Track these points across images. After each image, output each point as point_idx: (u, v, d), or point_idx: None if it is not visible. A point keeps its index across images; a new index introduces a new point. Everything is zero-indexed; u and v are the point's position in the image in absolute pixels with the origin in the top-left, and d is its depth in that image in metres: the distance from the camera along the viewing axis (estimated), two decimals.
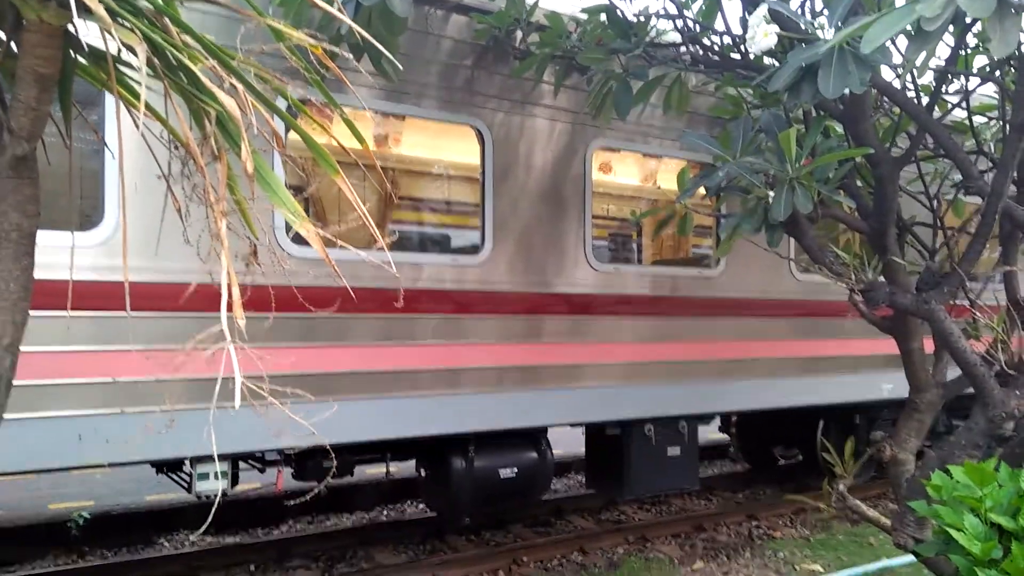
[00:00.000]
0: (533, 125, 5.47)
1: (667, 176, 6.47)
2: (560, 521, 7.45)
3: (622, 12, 4.21)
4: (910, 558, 4.92)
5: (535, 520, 7.39)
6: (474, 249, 5.29)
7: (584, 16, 4.49)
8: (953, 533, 2.42)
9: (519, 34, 5.06)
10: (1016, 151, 3.27)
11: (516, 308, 5.34)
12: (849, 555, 6.40)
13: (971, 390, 3.59)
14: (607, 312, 5.73)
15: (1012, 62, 3.51)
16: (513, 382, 5.32)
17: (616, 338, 5.74)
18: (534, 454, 5.81)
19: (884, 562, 5.99)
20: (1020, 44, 3.25)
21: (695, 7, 4.22)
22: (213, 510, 2.55)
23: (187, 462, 4.74)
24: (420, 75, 5.00)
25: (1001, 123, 3.95)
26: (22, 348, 1.75)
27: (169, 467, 5.08)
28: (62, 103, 1.82)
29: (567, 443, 9.06)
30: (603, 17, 4.28)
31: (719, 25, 4.19)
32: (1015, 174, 3.48)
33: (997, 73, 3.76)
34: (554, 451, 6.08)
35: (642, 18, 4.22)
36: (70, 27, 1.60)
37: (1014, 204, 3.50)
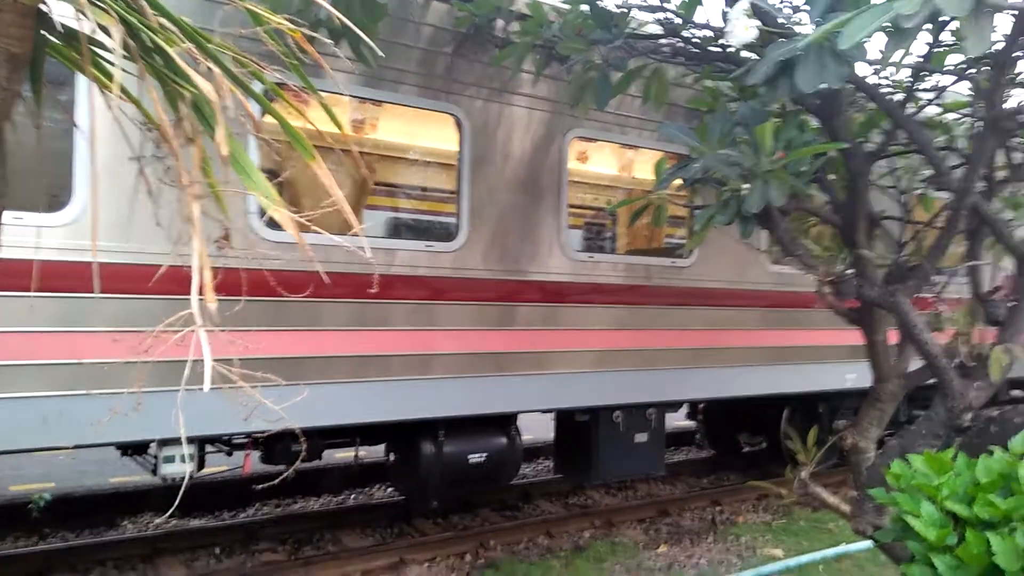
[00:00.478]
0: (511, 113, 5.44)
1: (643, 167, 6.50)
2: (528, 505, 7.51)
3: (603, 3, 4.19)
4: (868, 544, 5.05)
5: (503, 504, 7.44)
6: (449, 236, 5.27)
7: (565, 6, 4.47)
8: (910, 520, 2.47)
9: (499, 22, 5.02)
10: (986, 148, 3.33)
11: (490, 295, 5.34)
12: (809, 540, 6.54)
13: (933, 381, 3.67)
14: (580, 300, 5.75)
15: (985, 60, 3.57)
16: (485, 368, 5.33)
17: (588, 326, 5.77)
18: (503, 439, 5.84)
19: (843, 547, 6.13)
20: (993, 42, 3.30)
21: (676, 0, 4.21)
22: (180, 493, 2.53)
23: (153, 445, 4.69)
24: (399, 62, 4.95)
25: (973, 120, 4.01)
26: None
27: (134, 449, 5.02)
28: (33, 83, 1.77)
29: (536, 429, 9.12)
30: (584, 7, 4.26)
31: (700, 18, 4.19)
32: (983, 171, 3.55)
33: (970, 71, 3.82)
34: (523, 437, 6.11)
35: (623, 9, 4.21)
36: (43, 6, 1.56)
37: (982, 200, 3.58)
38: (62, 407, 3.89)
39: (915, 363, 3.80)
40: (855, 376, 7.24)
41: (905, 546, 2.57)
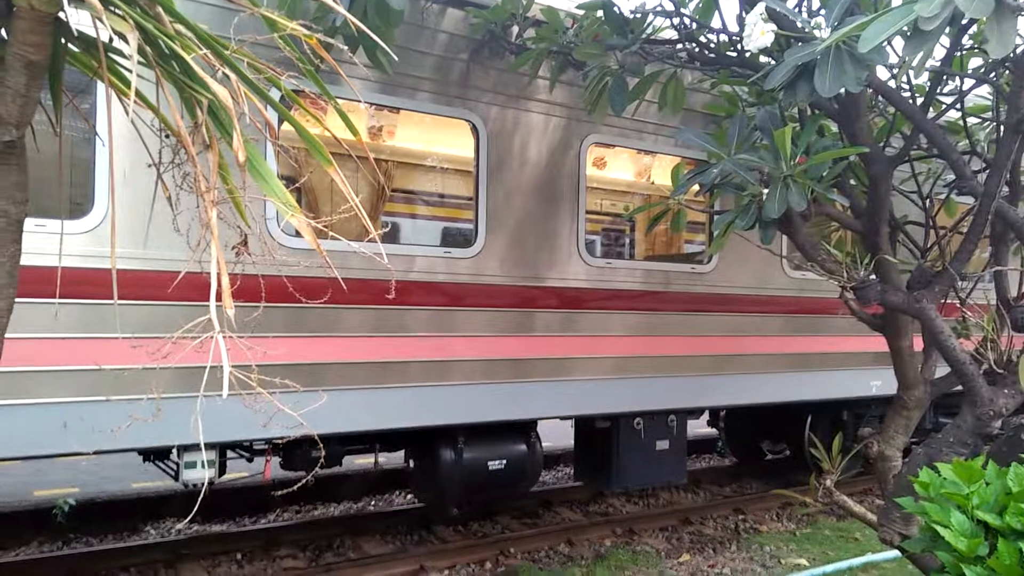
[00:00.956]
0: (528, 120, 5.45)
1: (661, 172, 6.48)
2: (548, 513, 7.48)
3: (619, 8, 4.19)
4: (895, 553, 4.97)
5: (523, 511, 7.41)
6: (467, 242, 5.28)
7: (581, 12, 4.48)
8: (940, 530, 2.43)
9: (515, 29, 5.04)
10: (1010, 152, 3.28)
11: (508, 301, 5.33)
12: (835, 550, 6.45)
13: (959, 388, 3.61)
14: (599, 306, 5.73)
15: (1007, 63, 3.51)
16: (504, 374, 5.32)
17: (607, 332, 5.75)
18: (523, 446, 5.82)
19: (869, 557, 6.04)
20: (1016, 45, 3.25)
21: (692, 5, 4.20)
22: (200, 499, 2.54)
23: (174, 450, 4.72)
24: (415, 68, 4.97)
25: (995, 124, 3.96)
26: (8, 334, 1.73)
27: (156, 455, 5.06)
28: (52, 90, 1.79)
29: (556, 436, 9.09)
30: (600, 13, 4.26)
31: (716, 23, 4.18)
32: (1008, 175, 3.49)
33: (992, 74, 3.76)
34: (543, 443, 6.09)
35: (639, 15, 4.20)
36: (61, 14, 1.58)
37: (1006, 205, 3.52)
38: (83, 413, 3.94)
39: (941, 370, 3.74)
40: (880, 383, 7.14)
41: (934, 556, 2.52)
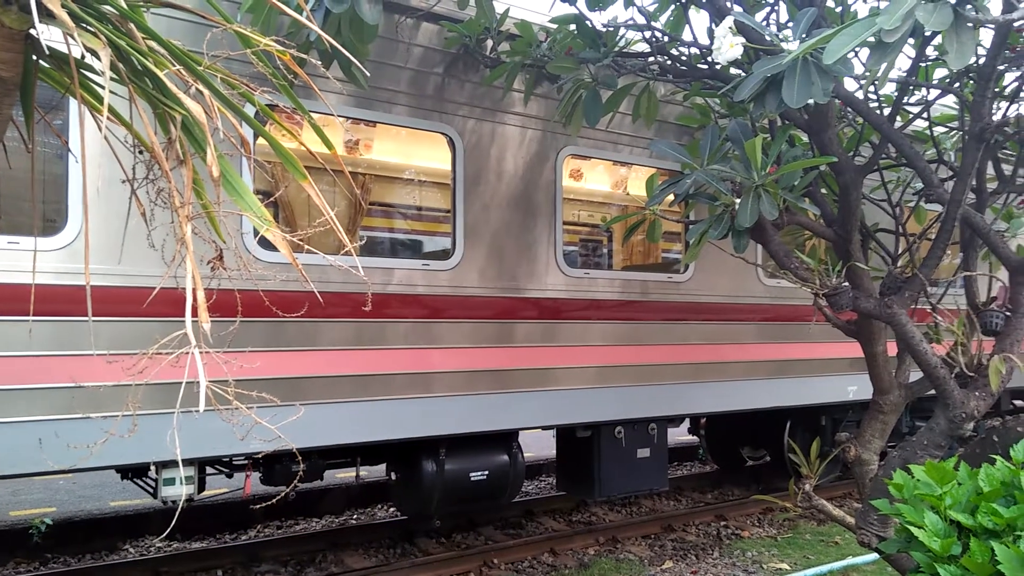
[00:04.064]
0: (504, 132, 5.48)
1: (637, 183, 6.53)
2: (531, 523, 7.47)
3: (591, 22, 4.24)
4: (875, 556, 5.02)
5: (506, 522, 7.39)
6: (445, 254, 5.29)
7: (554, 26, 4.52)
8: (914, 531, 2.47)
9: (489, 43, 5.08)
10: (975, 160, 3.36)
11: (487, 312, 5.35)
12: (815, 554, 6.50)
13: (933, 392, 3.67)
14: (578, 316, 5.76)
15: (971, 74, 3.60)
16: (484, 385, 5.32)
17: (587, 342, 5.77)
18: (505, 457, 5.82)
19: (849, 560, 6.09)
20: (977, 56, 3.34)
21: (663, 18, 4.26)
22: (176, 515, 2.53)
23: (152, 467, 4.68)
24: (391, 82, 4.99)
25: (960, 133, 4.04)
26: None
27: (134, 472, 5.00)
28: (24, 107, 1.79)
29: (539, 446, 9.09)
30: (572, 27, 4.31)
31: (686, 36, 4.24)
32: (974, 182, 3.57)
33: (956, 84, 3.85)
34: (525, 454, 6.10)
35: (611, 28, 4.25)
36: (32, 31, 1.58)
37: (973, 211, 3.59)
38: (59, 430, 3.89)
39: (915, 374, 3.80)
40: (856, 388, 7.23)
41: (910, 557, 2.56)
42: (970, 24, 2.21)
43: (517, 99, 5.42)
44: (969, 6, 2.24)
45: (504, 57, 4.89)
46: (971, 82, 3.73)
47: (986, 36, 3.27)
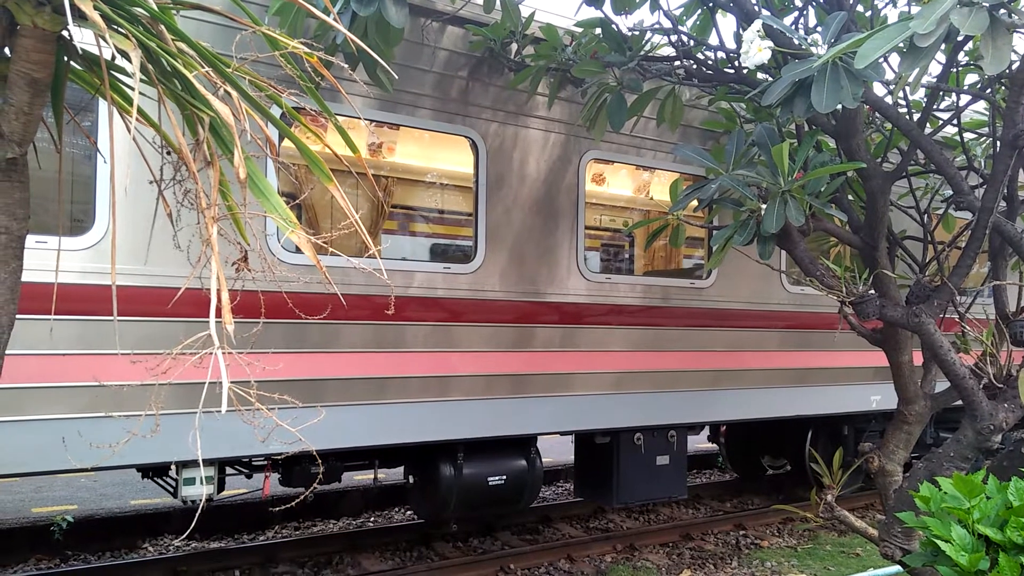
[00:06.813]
0: (527, 136, 5.47)
1: (660, 188, 6.49)
2: (548, 528, 7.44)
3: (617, 26, 4.22)
4: (897, 569, 4.93)
5: (523, 527, 7.36)
6: (466, 257, 5.29)
7: (579, 29, 4.51)
8: (941, 544, 2.43)
9: (514, 46, 5.08)
10: (1006, 167, 3.30)
11: (508, 317, 5.33)
12: (836, 565, 6.41)
13: (959, 402, 3.61)
14: (599, 321, 5.73)
15: (1003, 79, 3.54)
16: (503, 390, 5.31)
17: (607, 347, 5.74)
18: (523, 462, 5.80)
19: (870, 572, 5.99)
20: (1012, 61, 3.28)
21: (690, 22, 4.24)
22: (197, 515, 2.54)
23: (173, 467, 4.71)
24: (415, 85, 5.00)
25: (991, 140, 3.98)
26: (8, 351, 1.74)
27: (155, 472, 5.04)
28: (54, 108, 1.81)
29: (557, 451, 9.05)
30: (598, 30, 4.30)
31: (713, 40, 4.21)
32: (1005, 190, 3.51)
33: (988, 90, 3.79)
34: (543, 459, 6.07)
35: (637, 32, 4.23)
36: (64, 32, 1.59)
37: (1004, 219, 3.53)
38: (82, 429, 3.93)
39: (941, 384, 3.74)
40: (880, 397, 7.14)
41: (936, 571, 2.52)
42: (1006, 28, 2.17)
43: (540, 103, 5.41)
44: (1003, 10, 2.20)
45: (529, 61, 4.89)
46: (1003, 88, 3.67)
47: (1018, 41, 3.21)
